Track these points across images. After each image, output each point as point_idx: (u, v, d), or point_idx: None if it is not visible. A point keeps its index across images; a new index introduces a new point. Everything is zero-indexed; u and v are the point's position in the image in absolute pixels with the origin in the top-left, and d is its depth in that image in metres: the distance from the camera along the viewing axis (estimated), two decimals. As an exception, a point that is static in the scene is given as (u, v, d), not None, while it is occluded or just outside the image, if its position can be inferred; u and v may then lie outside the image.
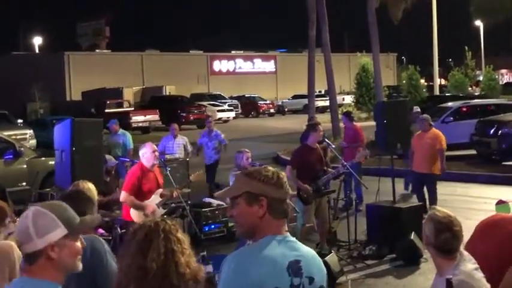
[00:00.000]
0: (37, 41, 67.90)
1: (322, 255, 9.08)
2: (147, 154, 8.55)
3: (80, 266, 2.82)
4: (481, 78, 54.70)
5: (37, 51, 66.75)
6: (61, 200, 4.24)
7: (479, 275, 3.58)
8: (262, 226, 2.89)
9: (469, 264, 3.59)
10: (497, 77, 54.39)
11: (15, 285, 2.76)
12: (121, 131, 15.43)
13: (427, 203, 11.57)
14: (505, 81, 67.20)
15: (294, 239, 2.97)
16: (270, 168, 3.04)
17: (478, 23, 57.99)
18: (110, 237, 9.14)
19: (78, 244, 2.79)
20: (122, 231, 9.02)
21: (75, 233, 2.77)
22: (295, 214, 10.40)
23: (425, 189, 12.00)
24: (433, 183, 11.97)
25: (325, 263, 8.35)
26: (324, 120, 14.55)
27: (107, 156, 11.25)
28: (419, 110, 16.43)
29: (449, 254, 3.58)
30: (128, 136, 15.38)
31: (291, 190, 9.60)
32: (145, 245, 2.91)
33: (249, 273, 2.78)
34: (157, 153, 8.79)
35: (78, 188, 4.78)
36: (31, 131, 25.95)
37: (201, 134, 15.55)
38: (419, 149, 12.00)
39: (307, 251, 2.96)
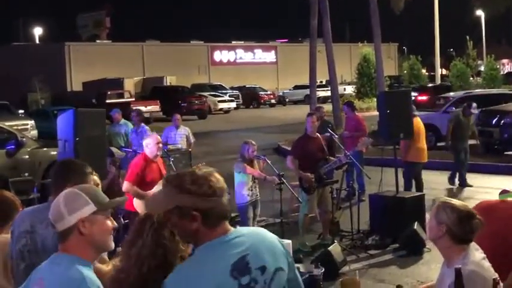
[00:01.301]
0: (37, 31, 67.86)
1: (325, 246, 9.13)
2: (151, 145, 8.55)
3: (112, 244, 2.95)
4: (482, 68, 54.61)
5: (37, 41, 66.67)
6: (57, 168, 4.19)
7: (487, 264, 3.57)
8: (199, 236, 2.72)
9: (477, 254, 3.58)
10: (498, 66, 54.24)
11: (48, 262, 2.88)
12: (123, 120, 15.39)
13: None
14: (506, 71, 67.10)
15: (237, 231, 2.78)
16: (199, 172, 2.76)
17: (480, 12, 57.82)
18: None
19: (109, 222, 2.93)
20: (125, 221, 9.03)
21: (104, 209, 2.92)
22: (297, 204, 10.41)
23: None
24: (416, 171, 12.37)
25: (328, 253, 8.39)
26: (326, 111, 14.48)
27: (113, 149, 11.25)
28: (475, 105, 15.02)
29: (466, 243, 3.58)
30: (130, 126, 15.34)
31: (292, 180, 9.43)
32: (138, 234, 3.02)
33: None
34: (161, 145, 8.80)
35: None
36: (32, 122, 25.92)
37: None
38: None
39: (253, 239, 2.77)
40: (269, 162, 9.65)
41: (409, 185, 12.25)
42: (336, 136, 11.31)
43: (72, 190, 2.94)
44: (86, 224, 2.83)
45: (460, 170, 14.23)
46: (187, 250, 3.01)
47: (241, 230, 2.83)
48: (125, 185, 8.53)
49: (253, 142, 9.65)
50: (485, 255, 3.61)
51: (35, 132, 24.82)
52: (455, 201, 3.72)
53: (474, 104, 14.48)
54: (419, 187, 12.18)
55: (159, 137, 8.86)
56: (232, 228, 2.79)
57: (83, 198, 2.87)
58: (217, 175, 2.79)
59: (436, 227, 3.64)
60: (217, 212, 2.73)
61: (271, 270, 2.75)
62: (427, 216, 3.83)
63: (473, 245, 3.64)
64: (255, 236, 2.82)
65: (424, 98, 33.46)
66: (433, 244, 3.84)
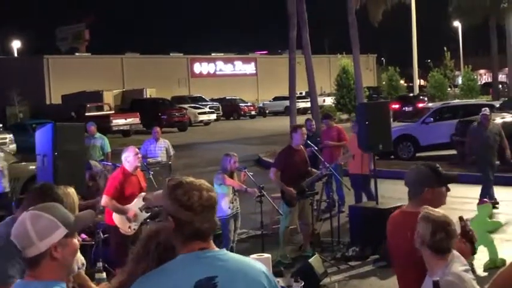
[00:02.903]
0: (16, 44, 67.36)
1: (305, 257, 9.15)
2: (129, 157, 8.51)
3: (76, 268, 2.84)
4: (460, 79, 55.13)
5: (16, 55, 66.24)
6: (31, 195, 4.22)
7: (469, 276, 3.59)
8: (176, 244, 2.73)
9: (459, 265, 3.60)
10: (476, 77, 54.79)
11: None
12: (98, 134, 15.36)
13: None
14: (483, 82, 67.80)
15: (219, 253, 2.71)
16: (194, 182, 2.74)
17: (457, 23, 58.43)
18: (93, 242, 9.09)
19: (76, 241, 2.83)
20: (105, 235, 8.98)
21: (73, 230, 2.81)
22: (278, 216, 10.43)
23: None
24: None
25: (309, 265, 8.40)
26: (304, 122, 14.48)
27: (92, 162, 11.20)
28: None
29: (443, 254, 3.60)
30: (106, 140, 15.32)
31: (273, 192, 9.50)
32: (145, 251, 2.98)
33: None
34: (139, 156, 8.77)
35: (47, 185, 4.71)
36: (11, 135, 25.72)
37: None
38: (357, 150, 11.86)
39: (233, 267, 2.67)
40: (249, 174, 9.66)
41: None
42: (316, 148, 11.33)
43: (37, 213, 2.75)
44: (58, 248, 2.71)
45: (487, 186, 12.97)
46: None
47: (226, 254, 2.73)
48: (104, 199, 8.49)
49: (235, 154, 9.66)
50: (468, 268, 3.64)
51: (13, 146, 24.63)
52: (433, 212, 3.73)
53: (485, 109, 13.47)
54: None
55: (136, 149, 8.83)
56: (216, 249, 2.72)
57: (52, 221, 2.73)
58: (206, 192, 2.72)
59: (416, 239, 3.67)
60: (191, 228, 2.68)
61: None
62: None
63: (458, 256, 3.65)
64: (238, 264, 2.71)
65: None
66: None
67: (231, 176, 9.47)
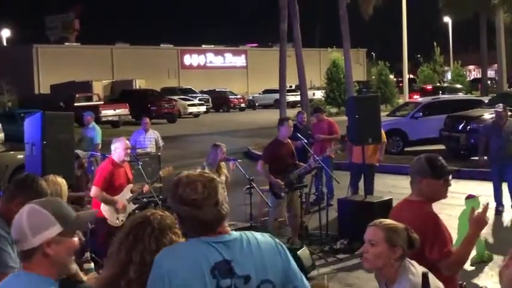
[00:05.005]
0: (5, 33, 66.90)
1: (293, 250, 9.16)
2: (119, 149, 8.49)
3: (73, 268, 2.90)
4: (449, 74, 55.30)
5: (5, 43, 65.81)
6: (13, 186, 4.21)
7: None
8: (175, 238, 2.89)
9: (417, 266, 3.58)
10: (465, 73, 55.00)
11: (11, 279, 2.80)
12: (92, 124, 15.28)
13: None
14: (472, 78, 68.04)
15: (232, 237, 2.80)
16: (191, 175, 2.82)
17: (447, 19, 58.56)
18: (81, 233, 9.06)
19: (75, 240, 2.82)
20: (92, 226, 8.95)
21: (71, 229, 2.80)
22: (267, 208, 10.45)
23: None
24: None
25: (297, 257, 8.42)
26: (295, 115, 14.50)
27: (78, 151, 11.17)
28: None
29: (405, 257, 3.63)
30: (97, 131, 15.18)
31: (262, 184, 9.52)
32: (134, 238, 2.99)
33: (162, 265, 2.70)
34: (129, 151, 8.76)
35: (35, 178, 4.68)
36: (-1, 125, 25.57)
37: None
38: None
39: (243, 247, 2.78)
40: (239, 166, 9.66)
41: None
42: (305, 141, 11.33)
43: (35, 207, 2.77)
44: (51, 245, 2.71)
45: (498, 190, 12.05)
46: None
47: (234, 235, 2.81)
48: (93, 190, 8.47)
49: (223, 144, 9.67)
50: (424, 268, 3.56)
51: (1, 135, 24.50)
52: (389, 220, 3.70)
53: (499, 105, 12.54)
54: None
55: (128, 142, 8.81)
56: (230, 232, 2.81)
57: (48, 217, 2.73)
58: (201, 185, 2.75)
59: (388, 251, 3.52)
60: (196, 221, 2.75)
61: (256, 281, 2.75)
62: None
63: (407, 258, 3.60)
64: (247, 244, 2.81)
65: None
66: (377, 272, 3.64)
67: (219, 167, 9.49)
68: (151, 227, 3.00)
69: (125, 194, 8.62)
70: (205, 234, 2.75)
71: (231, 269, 2.68)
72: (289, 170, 9.95)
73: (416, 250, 3.64)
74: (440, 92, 38.26)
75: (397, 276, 3.49)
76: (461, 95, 34.69)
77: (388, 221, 3.69)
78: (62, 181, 5.48)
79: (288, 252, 2.93)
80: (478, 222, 3.96)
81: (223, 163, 9.67)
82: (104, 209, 8.43)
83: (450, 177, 4.26)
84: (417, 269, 3.48)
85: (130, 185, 8.75)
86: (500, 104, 12.58)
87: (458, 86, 44.33)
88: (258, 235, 2.93)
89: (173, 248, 2.79)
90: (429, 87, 43.62)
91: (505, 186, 11.95)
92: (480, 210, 4.03)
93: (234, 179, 10.30)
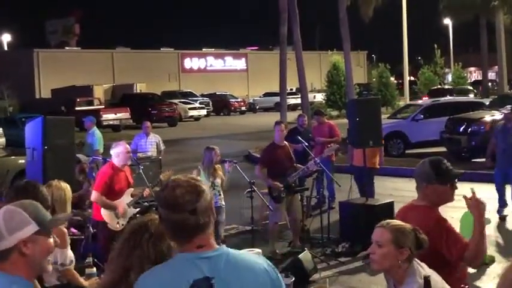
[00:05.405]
0: (6, 38, 66.95)
1: (295, 253, 9.15)
2: (120, 154, 8.47)
3: (50, 268, 2.86)
4: (450, 76, 55.30)
5: (6, 48, 65.87)
6: (13, 192, 4.23)
7: (437, 278, 3.58)
8: (174, 244, 2.79)
9: (426, 268, 3.58)
10: (466, 75, 54.97)
11: None
12: (92, 130, 15.20)
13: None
14: (473, 79, 68.04)
15: (216, 252, 2.67)
16: (177, 183, 2.70)
17: (447, 21, 58.57)
18: (82, 237, 9.07)
19: (51, 241, 2.82)
20: (94, 230, 8.95)
21: (47, 229, 2.80)
22: (267, 212, 10.43)
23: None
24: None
25: (299, 261, 8.41)
26: (296, 118, 14.48)
27: (80, 156, 11.17)
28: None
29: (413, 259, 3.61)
30: (97, 137, 15.03)
31: (262, 188, 9.48)
32: (132, 244, 2.98)
33: None
34: (130, 155, 8.75)
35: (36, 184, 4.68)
36: (0, 129, 25.58)
37: None
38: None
39: (230, 266, 2.64)
40: (238, 168, 9.66)
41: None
42: (306, 144, 11.32)
43: (11, 207, 2.79)
44: (28, 244, 2.72)
45: (500, 192, 11.88)
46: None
47: (226, 253, 2.68)
48: (93, 195, 8.45)
49: (215, 146, 9.66)
50: (432, 270, 3.55)
51: (2, 140, 24.52)
52: (396, 221, 3.68)
53: (507, 107, 12.20)
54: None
55: (128, 146, 8.80)
56: (215, 247, 2.68)
57: (23, 216, 2.74)
58: (184, 189, 2.65)
59: (395, 252, 3.51)
60: (171, 225, 2.68)
61: None
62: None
63: (415, 260, 3.58)
64: (237, 264, 2.68)
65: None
66: (385, 273, 3.66)
67: (214, 170, 9.48)
68: (149, 233, 3.00)
69: (126, 198, 8.61)
70: (186, 245, 2.66)
71: (211, 286, 2.56)
72: (287, 173, 9.94)
73: (431, 253, 3.62)
74: (449, 94, 38.17)
75: (405, 277, 3.48)
76: (471, 97, 34.75)
77: (395, 222, 3.67)
78: (65, 186, 5.50)
79: (282, 280, 2.81)
80: (476, 207, 3.94)
81: (219, 165, 9.66)
82: (104, 214, 8.42)
83: (456, 179, 4.22)
84: (426, 271, 3.47)
85: (131, 189, 8.74)
86: (508, 106, 12.42)
87: (469, 87, 44.40)
88: (252, 256, 2.81)
89: (152, 271, 2.71)
90: (434, 88, 43.71)
91: (508, 188, 11.93)
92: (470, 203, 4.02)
93: (234, 182, 10.30)
